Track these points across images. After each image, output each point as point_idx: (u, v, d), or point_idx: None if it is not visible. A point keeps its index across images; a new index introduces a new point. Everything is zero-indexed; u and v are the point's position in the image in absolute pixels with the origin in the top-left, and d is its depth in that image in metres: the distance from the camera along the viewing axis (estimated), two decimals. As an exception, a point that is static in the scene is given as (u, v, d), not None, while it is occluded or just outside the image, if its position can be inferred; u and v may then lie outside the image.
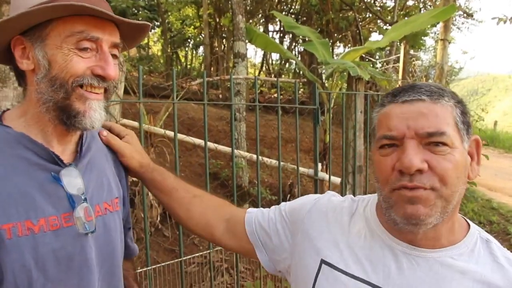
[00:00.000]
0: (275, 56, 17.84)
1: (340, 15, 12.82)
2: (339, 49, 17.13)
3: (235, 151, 4.76)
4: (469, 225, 0.95)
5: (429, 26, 8.25)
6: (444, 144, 0.83)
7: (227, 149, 4.22)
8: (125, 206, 1.24)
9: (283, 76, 17.40)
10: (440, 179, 0.83)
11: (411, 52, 10.28)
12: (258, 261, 1.19)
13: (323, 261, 0.99)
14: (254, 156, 4.69)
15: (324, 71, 4.86)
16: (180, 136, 3.85)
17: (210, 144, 3.99)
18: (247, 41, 5.47)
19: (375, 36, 19.16)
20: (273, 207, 1.23)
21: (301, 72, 15.17)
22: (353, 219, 1.01)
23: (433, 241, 0.89)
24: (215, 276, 3.97)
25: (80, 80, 0.96)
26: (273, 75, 17.59)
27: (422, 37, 12.07)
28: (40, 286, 0.95)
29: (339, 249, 0.98)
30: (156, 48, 18.34)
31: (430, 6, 10.72)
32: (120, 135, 1.25)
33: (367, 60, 10.54)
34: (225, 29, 14.15)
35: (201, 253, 3.00)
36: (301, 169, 3.65)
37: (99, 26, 0.97)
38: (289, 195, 5.18)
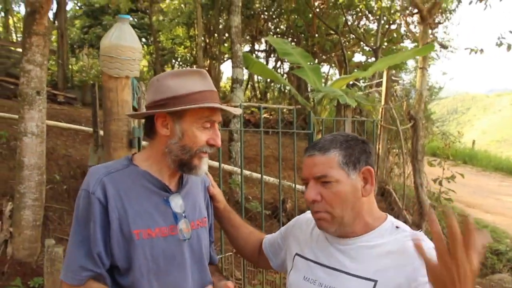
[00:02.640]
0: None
1: (326, 37, 13.37)
2: (323, 68, 17.73)
3: (234, 168, 5.18)
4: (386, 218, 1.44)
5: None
6: (329, 182, 1.33)
7: (229, 168, 4.63)
8: (209, 223, 1.74)
9: (268, 94, 17.89)
10: (329, 204, 1.34)
11: (393, 73, 10.82)
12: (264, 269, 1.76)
13: (296, 254, 1.56)
14: (253, 173, 5.11)
15: (315, 96, 5.32)
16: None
17: (214, 163, 4.41)
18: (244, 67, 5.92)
19: (358, 57, 19.86)
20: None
21: (286, 92, 15.67)
22: (316, 227, 1.52)
23: (352, 234, 1.39)
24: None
25: (201, 149, 1.46)
26: (258, 93, 18.07)
27: (405, 62, 12.72)
28: (154, 273, 1.45)
29: (305, 245, 1.54)
30: (142, 64, 18.65)
31: (409, 34, 11.37)
32: (212, 184, 1.79)
33: (351, 83, 11.08)
34: (216, 51, 14.56)
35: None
36: (297, 186, 4.07)
37: (215, 113, 1.48)
38: (282, 210, 5.57)
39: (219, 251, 3.18)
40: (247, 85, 19.15)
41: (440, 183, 6.64)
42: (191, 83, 1.46)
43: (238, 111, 1.61)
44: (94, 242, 1.39)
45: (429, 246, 1.30)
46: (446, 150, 6.91)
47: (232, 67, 5.69)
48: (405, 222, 7.17)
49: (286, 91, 16.78)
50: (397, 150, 7.84)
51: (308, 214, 1.61)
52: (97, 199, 1.40)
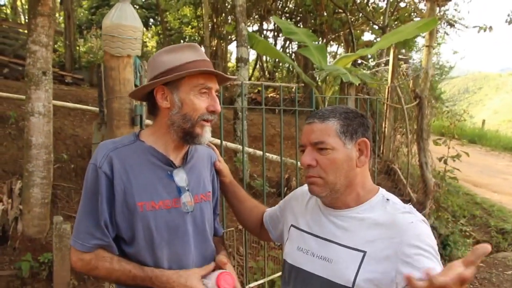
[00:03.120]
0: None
1: (334, 16, 13.22)
2: (332, 47, 17.56)
3: (238, 146, 5.23)
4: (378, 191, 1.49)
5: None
6: (325, 148, 1.38)
7: (232, 145, 4.69)
8: (214, 198, 1.82)
9: (276, 74, 17.81)
10: (323, 170, 1.39)
11: (403, 52, 10.73)
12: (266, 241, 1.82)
13: (291, 225, 1.63)
14: (257, 151, 5.16)
15: (319, 74, 5.32)
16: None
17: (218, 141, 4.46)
18: (249, 46, 5.92)
19: (367, 36, 19.62)
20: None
21: (294, 71, 15.63)
22: (312, 198, 1.59)
23: (344, 205, 1.45)
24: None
25: (202, 116, 1.52)
26: (266, 72, 18.00)
27: (414, 39, 12.56)
28: (158, 243, 1.53)
29: (299, 216, 1.61)
30: (150, 45, 18.66)
31: (417, 13, 11.22)
32: (218, 159, 1.85)
33: (359, 62, 11.00)
34: (223, 30, 14.49)
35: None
36: (299, 163, 4.12)
37: (211, 79, 1.55)
38: (286, 188, 5.64)
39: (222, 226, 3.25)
40: (255, 65, 19.09)
41: (445, 162, 6.65)
42: (184, 56, 1.54)
43: (231, 77, 1.68)
44: (101, 213, 1.47)
45: (418, 219, 1.36)
46: (452, 129, 6.89)
47: (237, 46, 5.70)
48: (410, 200, 7.23)
49: (294, 71, 16.72)
50: (403, 129, 7.84)
51: (305, 187, 1.66)
52: (104, 173, 1.47)
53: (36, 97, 4.02)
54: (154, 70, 1.56)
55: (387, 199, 1.43)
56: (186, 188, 1.59)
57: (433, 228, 6.47)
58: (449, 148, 6.60)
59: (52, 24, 4.12)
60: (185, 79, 1.51)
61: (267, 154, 4.68)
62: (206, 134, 1.55)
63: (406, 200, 7.25)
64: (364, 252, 1.34)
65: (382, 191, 1.48)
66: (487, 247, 0.94)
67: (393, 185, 7.48)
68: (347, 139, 1.39)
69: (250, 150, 5.07)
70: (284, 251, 1.63)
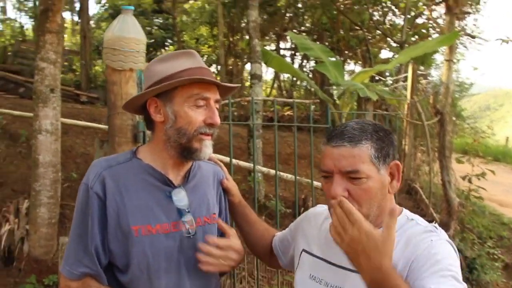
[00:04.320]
0: (287, 73, 18.18)
1: (351, 33, 13.14)
2: (350, 66, 17.44)
3: (250, 165, 5.06)
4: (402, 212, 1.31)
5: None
6: (359, 178, 1.18)
7: (246, 165, 4.53)
8: (221, 219, 1.63)
9: (294, 93, 17.73)
10: (357, 202, 1.18)
11: (422, 68, 10.53)
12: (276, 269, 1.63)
13: (303, 250, 1.45)
14: (270, 170, 4.99)
15: (335, 90, 5.17)
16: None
17: (233, 161, 4.30)
18: (262, 63, 5.81)
19: (385, 53, 19.47)
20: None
21: (312, 90, 15.51)
22: (326, 220, 1.39)
23: None
24: (234, 283, 4.24)
25: (198, 130, 1.37)
26: (284, 92, 17.94)
27: (432, 55, 12.33)
28: (155, 271, 1.37)
29: (312, 240, 1.43)
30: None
31: (436, 29, 11.03)
32: (226, 177, 1.68)
33: (377, 79, 10.83)
34: (239, 48, 14.51)
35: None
36: (315, 182, 3.93)
37: (208, 89, 1.39)
38: (302, 208, 5.45)
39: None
40: (273, 84, 19.07)
41: (470, 181, 6.38)
42: (178, 64, 1.39)
43: (232, 86, 1.52)
44: (91, 237, 1.34)
45: (440, 238, 1.18)
46: (475, 145, 6.62)
47: (251, 62, 5.59)
48: (432, 220, 6.92)
49: (312, 89, 16.63)
50: (424, 147, 7.60)
51: (318, 208, 1.50)
52: (95, 194, 1.34)
53: (43, 115, 3.95)
54: (148, 80, 1.43)
55: (412, 219, 1.26)
56: (187, 210, 1.44)
57: (459, 250, 6.15)
58: (473, 166, 6.34)
59: (61, 41, 4.07)
60: (178, 90, 1.36)
61: (283, 173, 4.50)
62: (206, 148, 1.40)
63: (429, 220, 6.96)
64: None
65: (406, 212, 1.31)
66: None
67: (415, 205, 7.21)
68: (381, 164, 1.20)
69: (264, 169, 4.90)
70: (294, 280, 1.44)
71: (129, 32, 2.52)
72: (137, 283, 1.38)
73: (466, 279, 5.93)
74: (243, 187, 6.02)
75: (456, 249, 1.20)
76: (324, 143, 1.26)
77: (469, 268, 5.96)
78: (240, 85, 1.57)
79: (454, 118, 10.65)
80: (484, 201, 7.41)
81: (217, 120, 1.39)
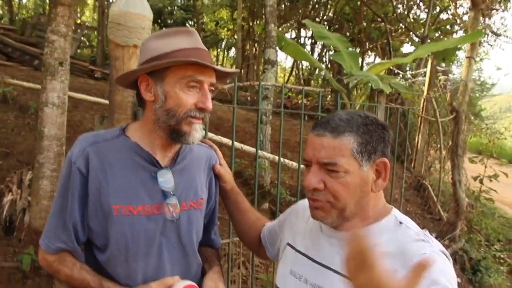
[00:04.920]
0: (305, 62, 18.01)
1: (372, 25, 12.92)
2: (370, 58, 17.20)
3: (260, 152, 5.01)
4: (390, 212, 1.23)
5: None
6: (337, 171, 1.11)
7: (252, 150, 4.46)
8: (210, 205, 1.61)
9: (312, 82, 17.56)
10: (332, 195, 1.13)
11: (443, 65, 10.31)
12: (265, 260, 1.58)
13: (287, 243, 1.40)
14: (276, 157, 4.93)
15: (349, 81, 5.06)
16: (209, 134, 4.11)
17: (236, 144, 4.24)
18: (277, 48, 5.71)
19: (407, 47, 19.13)
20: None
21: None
22: None
23: (350, 228, 1.19)
24: (232, 268, 4.22)
25: (188, 113, 1.31)
26: (302, 81, 17.78)
27: (455, 52, 12.05)
28: (133, 253, 1.34)
29: (298, 234, 1.37)
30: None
31: (460, 25, 10.75)
32: (220, 162, 1.62)
33: (395, 72, 10.63)
34: (258, 33, 14.38)
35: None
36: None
37: (203, 71, 1.32)
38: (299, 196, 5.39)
39: (228, 236, 3.02)
40: (291, 72, 18.93)
41: (481, 181, 6.26)
42: (176, 42, 1.32)
43: (228, 69, 1.45)
44: (70, 213, 1.31)
45: (433, 250, 1.09)
46: (490, 146, 6.47)
47: (265, 47, 5.50)
48: (439, 219, 6.84)
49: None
50: (438, 144, 7.46)
51: (307, 200, 1.45)
52: (78, 169, 1.31)
53: (51, 88, 3.92)
54: (142, 56, 1.37)
55: (400, 222, 1.18)
56: (172, 193, 1.39)
57: (464, 251, 6.07)
58: (485, 167, 6.21)
59: (72, 14, 4.02)
60: (171, 69, 1.30)
61: (288, 161, 4.43)
62: (195, 132, 1.34)
63: (436, 219, 6.87)
64: None
65: (395, 212, 1.22)
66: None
67: (423, 202, 7.12)
68: (364, 160, 1.13)
69: (268, 155, 4.83)
70: (277, 273, 1.39)
71: (135, 7, 2.46)
72: (114, 264, 1.35)
73: (469, 281, 5.88)
74: (249, 172, 5.98)
75: (450, 258, 1.13)
76: (311, 131, 1.19)
77: (473, 270, 5.88)
78: (238, 70, 1.50)
79: (472, 117, 10.43)
80: (494, 203, 7.28)
81: (209, 105, 1.33)
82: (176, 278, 1.33)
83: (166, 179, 1.38)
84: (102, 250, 1.36)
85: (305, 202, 1.43)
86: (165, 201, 1.37)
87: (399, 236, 1.14)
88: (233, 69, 1.45)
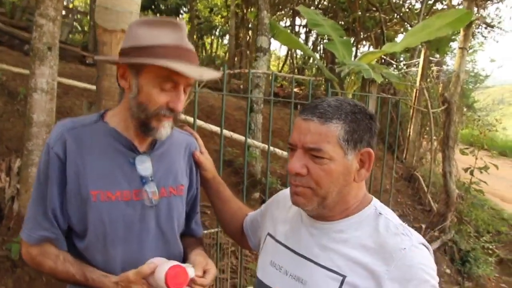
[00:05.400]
0: (299, 51, 17.92)
1: (367, 14, 12.86)
2: (365, 48, 17.13)
3: (250, 141, 4.99)
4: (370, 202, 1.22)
5: (455, 32, 8.29)
6: (321, 157, 1.10)
7: (242, 138, 4.44)
8: (191, 193, 1.58)
9: (306, 70, 17.51)
10: (315, 182, 1.12)
11: (437, 56, 10.31)
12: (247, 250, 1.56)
13: (268, 234, 1.39)
14: (265, 145, 4.92)
15: (341, 70, 5.03)
16: (199, 122, 4.08)
17: (226, 132, 4.22)
18: (270, 36, 5.67)
19: (401, 38, 19.06)
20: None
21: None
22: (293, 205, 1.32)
23: (329, 217, 1.19)
24: (222, 257, 4.22)
25: (158, 110, 1.28)
26: (296, 69, 17.73)
27: (448, 43, 12.03)
28: (111, 240, 1.32)
29: (278, 224, 1.37)
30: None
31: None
32: (201, 150, 1.59)
33: (388, 63, 10.60)
34: (251, 20, 14.29)
35: (208, 231, 3.25)
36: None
37: (179, 74, 1.25)
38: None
39: (217, 225, 3.02)
40: (285, 60, 18.86)
41: (472, 173, 6.29)
42: (158, 34, 1.28)
43: (208, 75, 1.33)
44: (50, 199, 1.29)
45: (413, 244, 1.09)
46: (481, 138, 6.49)
47: (257, 34, 5.46)
48: (430, 210, 6.89)
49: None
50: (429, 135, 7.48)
51: (288, 190, 1.41)
52: (56, 155, 1.29)
53: (40, 73, 3.85)
54: (125, 41, 1.33)
55: (379, 213, 1.17)
56: (150, 179, 1.37)
57: (453, 242, 6.12)
58: (476, 158, 6.24)
59: (62, -2, 3.94)
60: (148, 66, 1.26)
61: (279, 150, 4.42)
62: (163, 129, 1.32)
63: (427, 210, 6.91)
64: (344, 277, 1.10)
65: (376, 202, 1.22)
66: None
67: (414, 193, 7.16)
68: (350, 148, 1.12)
69: (258, 144, 4.82)
70: (257, 264, 1.38)
71: (122, -9, 2.42)
72: (93, 251, 1.33)
73: (457, 271, 5.93)
74: (240, 161, 5.96)
75: (430, 249, 1.13)
76: (298, 115, 1.18)
77: (462, 261, 5.94)
78: (219, 74, 1.45)
79: (465, 109, 10.45)
80: (485, 195, 7.33)
81: (180, 107, 1.30)
82: (152, 265, 1.27)
83: (144, 165, 1.37)
84: (81, 237, 1.35)
85: (286, 192, 1.42)
86: (144, 187, 1.35)
87: (379, 229, 1.13)
88: (213, 74, 1.36)
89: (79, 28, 13.47)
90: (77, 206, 1.31)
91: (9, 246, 3.65)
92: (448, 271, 5.72)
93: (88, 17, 11.04)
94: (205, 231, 3.86)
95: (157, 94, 1.27)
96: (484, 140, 6.62)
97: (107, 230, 1.31)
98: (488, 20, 11.71)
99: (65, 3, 14.38)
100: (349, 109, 1.13)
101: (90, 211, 1.29)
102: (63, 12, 9.51)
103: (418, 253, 1.07)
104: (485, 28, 11.63)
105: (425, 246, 1.11)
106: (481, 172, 6.24)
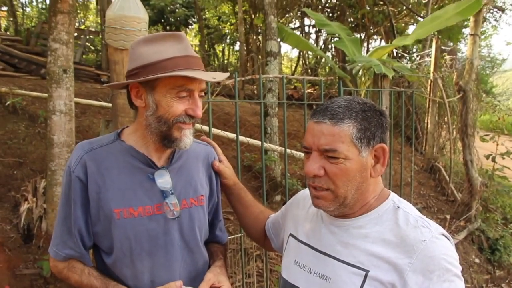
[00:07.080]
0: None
1: (376, 9, 12.78)
2: (376, 42, 17.01)
3: (267, 145, 5.03)
4: (388, 197, 1.25)
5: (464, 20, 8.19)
6: (337, 157, 1.13)
7: (259, 143, 4.47)
8: (213, 202, 1.64)
9: (318, 70, 17.47)
10: (333, 182, 1.16)
11: (451, 45, 10.19)
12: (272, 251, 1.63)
13: (290, 234, 1.43)
14: (281, 148, 4.94)
15: (353, 68, 5.04)
16: (215, 131, 4.14)
17: (243, 138, 4.26)
18: (279, 40, 5.71)
19: (412, 29, 18.86)
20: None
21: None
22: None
23: (349, 215, 1.23)
24: (248, 261, 4.26)
25: (178, 119, 1.33)
26: (309, 69, 17.70)
27: (460, 30, 11.87)
28: (137, 254, 1.38)
29: (299, 224, 1.39)
30: (194, 44, 18.79)
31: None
32: (220, 158, 1.65)
33: (400, 55, 10.51)
34: (260, 26, 14.34)
35: (232, 236, 3.29)
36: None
37: (192, 81, 1.33)
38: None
39: (240, 231, 3.06)
40: (297, 61, 18.85)
41: (494, 160, 6.19)
42: (163, 49, 1.34)
43: (220, 77, 1.42)
44: (74, 220, 1.36)
45: (433, 235, 1.11)
46: (501, 123, 6.39)
47: (266, 39, 5.50)
48: (454, 200, 6.80)
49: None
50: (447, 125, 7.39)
51: (307, 190, 1.44)
52: (77, 177, 1.35)
53: (57, 95, 3.97)
54: (131, 62, 1.39)
55: (398, 207, 1.20)
56: (171, 192, 1.42)
57: (481, 231, 6.03)
58: (497, 144, 6.14)
59: (73, 22, 4.06)
60: (161, 80, 1.32)
61: (296, 152, 4.45)
62: (186, 138, 1.38)
63: (451, 200, 6.82)
64: (367, 272, 1.12)
65: (394, 196, 1.25)
66: None
67: (436, 184, 7.08)
68: (363, 146, 1.15)
69: (275, 147, 4.85)
70: (282, 264, 1.42)
71: (129, 10, 2.50)
72: (121, 266, 1.39)
73: (487, 260, 5.83)
74: (259, 166, 5.99)
75: (451, 239, 1.15)
76: (310, 118, 1.22)
77: (491, 249, 5.84)
78: (227, 74, 1.50)
79: (484, 95, 10.29)
80: (510, 180, 7.20)
81: (199, 113, 1.36)
82: (179, 283, 1.35)
83: (164, 179, 1.42)
84: (108, 253, 1.40)
85: (305, 192, 1.46)
86: (165, 201, 1.40)
87: (399, 222, 1.16)
88: (222, 75, 1.44)
89: (92, 48, 13.74)
90: (102, 224, 1.37)
91: (40, 264, 3.76)
92: (477, 260, 5.63)
93: (100, 36, 11.23)
94: (230, 237, 3.91)
95: (176, 104, 1.33)
96: (504, 125, 6.50)
97: (133, 245, 1.37)
98: (499, 4, 11.54)
99: (76, 25, 14.68)
100: (359, 108, 1.17)
101: (114, 229, 1.35)
102: (75, 34, 9.69)
103: (439, 244, 1.10)
104: (497, 12, 11.45)
105: (445, 236, 1.14)
106: (503, 158, 6.14)
